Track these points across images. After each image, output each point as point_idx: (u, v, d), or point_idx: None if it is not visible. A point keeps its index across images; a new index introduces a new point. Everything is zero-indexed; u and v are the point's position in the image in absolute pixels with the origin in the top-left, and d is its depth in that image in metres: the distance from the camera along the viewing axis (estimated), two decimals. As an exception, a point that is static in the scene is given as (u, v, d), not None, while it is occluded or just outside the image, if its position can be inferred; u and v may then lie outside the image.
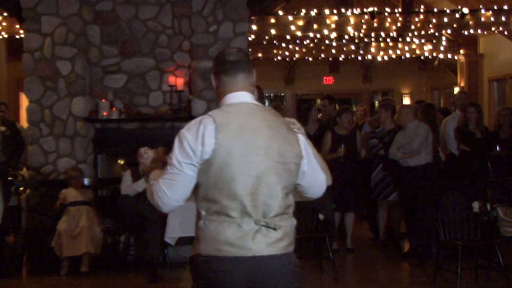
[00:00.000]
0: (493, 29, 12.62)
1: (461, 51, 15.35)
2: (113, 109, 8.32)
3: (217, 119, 2.85)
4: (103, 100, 8.32)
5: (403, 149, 8.37)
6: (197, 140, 2.84)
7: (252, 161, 2.83)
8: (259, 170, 2.83)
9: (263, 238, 2.84)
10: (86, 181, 8.08)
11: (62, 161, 8.23)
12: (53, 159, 8.25)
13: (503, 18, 11.98)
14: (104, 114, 8.29)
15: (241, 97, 2.98)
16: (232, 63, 2.98)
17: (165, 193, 2.93)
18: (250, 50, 12.61)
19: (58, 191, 7.74)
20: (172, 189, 2.92)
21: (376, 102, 17.53)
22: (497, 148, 8.84)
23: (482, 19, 12.11)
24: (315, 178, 3.07)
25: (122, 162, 8.74)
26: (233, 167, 2.81)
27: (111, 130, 8.49)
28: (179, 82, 8.40)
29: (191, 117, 8.22)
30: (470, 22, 12.22)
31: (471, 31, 12.88)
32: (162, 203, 2.98)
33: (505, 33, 13.08)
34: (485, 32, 13.65)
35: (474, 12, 11.91)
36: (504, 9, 11.59)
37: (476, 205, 6.91)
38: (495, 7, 11.62)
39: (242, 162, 2.81)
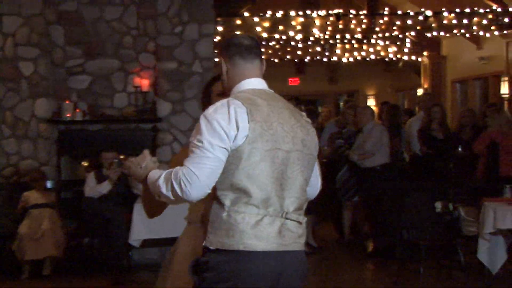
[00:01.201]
0: (455, 31, 12.80)
1: (425, 53, 15.54)
2: (77, 110, 8.25)
3: (245, 103, 2.66)
4: (67, 102, 8.24)
5: (358, 150, 8.47)
6: (230, 122, 2.60)
7: (282, 149, 2.67)
8: (288, 159, 2.69)
9: (290, 232, 2.69)
10: (49, 183, 7.98)
11: (24, 163, 8.13)
12: (15, 161, 8.14)
13: (465, 21, 12.16)
14: (68, 115, 8.20)
15: (260, 83, 2.85)
16: (248, 48, 2.84)
17: (198, 178, 2.57)
18: (216, 51, 12.61)
19: (20, 193, 7.63)
20: (205, 173, 2.57)
21: (341, 103, 17.64)
22: (459, 149, 8.97)
23: (445, 21, 12.27)
24: (317, 177, 2.97)
25: (86, 164, 8.66)
26: (263, 155, 2.63)
27: (75, 132, 8.40)
28: (144, 83, 8.36)
29: (156, 119, 8.21)
30: (433, 25, 12.38)
31: (434, 33, 13.06)
32: (191, 189, 2.57)
33: (467, 35, 13.28)
34: (448, 35, 13.84)
35: (437, 14, 12.06)
36: (466, 11, 11.75)
37: (439, 205, 7.01)
38: (458, 10, 11.78)
39: (273, 150, 2.65)
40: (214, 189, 2.65)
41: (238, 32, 11.95)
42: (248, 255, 2.60)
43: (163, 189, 2.65)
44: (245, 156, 2.61)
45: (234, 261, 2.59)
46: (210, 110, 2.67)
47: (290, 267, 2.70)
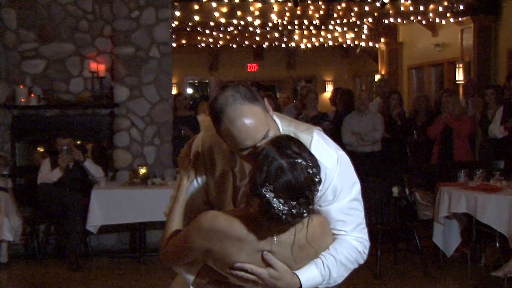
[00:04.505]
0: (412, 18, 12.94)
1: (382, 40, 15.68)
2: (32, 95, 8.09)
3: None
4: (21, 86, 8.07)
5: (367, 136, 8.80)
6: None
7: None
8: None
9: None
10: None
11: (-23, 149, 7.96)
12: (-32, 147, 7.97)
13: (421, 8, 12.31)
14: (22, 100, 8.05)
15: None
16: None
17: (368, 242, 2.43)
18: (173, 36, 12.50)
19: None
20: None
21: (299, 88, 17.70)
22: (414, 134, 9.10)
23: (402, 8, 12.41)
24: None
25: (42, 150, 8.53)
26: None
27: (29, 117, 8.24)
28: (100, 68, 8.24)
29: (113, 104, 8.11)
30: (390, 11, 12.50)
31: (391, 20, 13.18)
32: (366, 254, 2.42)
33: (423, 22, 13.44)
34: (404, 21, 13.99)
35: (394, 1, 12.18)
36: (423, -2, 11.91)
37: (395, 190, 7.09)
38: (414, -3, 11.93)
39: None
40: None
41: (196, 18, 11.88)
42: None
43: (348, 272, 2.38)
44: None
45: None
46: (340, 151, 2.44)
47: None
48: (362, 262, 2.39)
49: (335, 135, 8.75)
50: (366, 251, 2.39)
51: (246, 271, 2.20)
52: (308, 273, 2.24)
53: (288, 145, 2.12)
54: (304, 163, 2.09)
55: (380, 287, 6.40)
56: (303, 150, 2.14)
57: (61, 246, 7.71)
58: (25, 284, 6.94)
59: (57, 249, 7.80)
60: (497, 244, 6.58)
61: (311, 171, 2.10)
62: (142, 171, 7.71)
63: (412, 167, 8.76)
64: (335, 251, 2.29)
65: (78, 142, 8.05)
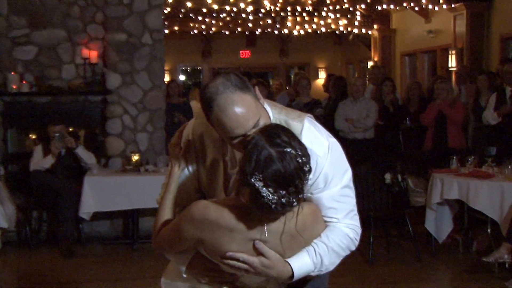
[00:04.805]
0: (404, 4, 12.93)
1: (375, 26, 15.67)
2: (23, 82, 8.05)
3: None
4: (13, 73, 8.03)
5: (359, 123, 8.84)
6: None
7: None
8: None
9: None
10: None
11: (-31, 136, 7.93)
12: (-41, 134, 7.93)
13: (414, -6, 12.30)
14: (14, 87, 8.00)
15: None
16: None
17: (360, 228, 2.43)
18: (166, 23, 12.45)
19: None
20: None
21: (292, 75, 17.69)
22: (407, 121, 9.11)
23: (395, -6, 12.40)
24: None
25: (34, 137, 8.50)
26: None
27: (21, 104, 8.20)
28: (92, 54, 8.19)
29: (105, 91, 8.08)
30: (383, -2, 12.49)
31: (384, 6, 13.16)
32: (357, 241, 2.43)
33: (416, 8, 13.42)
34: (397, 8, 13.97)
35: (387, -13, 12.16)
36: (416, -15, 11.89)
37: (388, 177, 7.11)
38: (407, -17, 11.91)
39: None
40: None
41: (189, 4, 11.83)
42: None
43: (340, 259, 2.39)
44: None
45: None
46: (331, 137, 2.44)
47: None
48: (354, 249, 2.40)
49: (328, 121, 8.77)
50: (358, 238, 2.40)
51: (238, 260, 2.21)
52: (300, 261, 2.25)
53: (278, 134, 2.12)
54: (294, 152, 2.09)
55: (373, 273, 6.43)
56: (293, 139, 2.13)
57: (54, 233, 7.70)
58: (18, 271, 6.95)
59: (50, 236, 7.79)
60: (489, 230, 6.62)
61: (300, 160, 2.09)
62: (135, 158, 7.70)
63: (405, 153, 8.78)
64: (327, 239, 2.29)
65: (70, 129, 8.02)
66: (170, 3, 11.75)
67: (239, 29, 15.75)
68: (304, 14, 15.31)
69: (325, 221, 2.33)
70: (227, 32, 15.93)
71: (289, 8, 14.14)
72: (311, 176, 2.17)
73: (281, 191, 2.05)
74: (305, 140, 2.23)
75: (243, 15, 14.78)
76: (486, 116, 8.30)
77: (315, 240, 2.28)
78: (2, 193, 7.32)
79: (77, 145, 7.61)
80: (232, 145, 2.28)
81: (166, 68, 10.05)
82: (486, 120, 8.33)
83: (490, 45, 11.85)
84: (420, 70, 14.48)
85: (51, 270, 6.72)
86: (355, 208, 2.41)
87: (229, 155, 2.40)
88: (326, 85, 10.71)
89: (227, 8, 12.79)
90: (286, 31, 16.22)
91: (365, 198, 6.94)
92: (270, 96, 10.25)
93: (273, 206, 2.06)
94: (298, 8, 14.17)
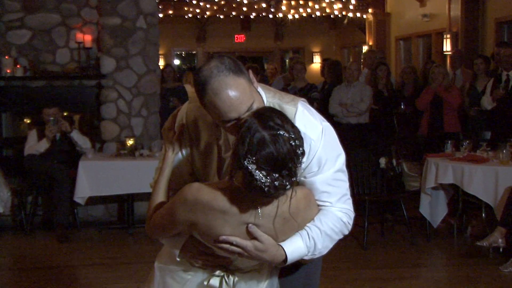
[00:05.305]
0: (400, -12, 12.89)
1: (370, 10, 15.62)
2: (18, 66, 8.02)
3: None
4: (6, 57, 7.99)
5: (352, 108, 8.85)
6: None
7: None
8: None
9: None
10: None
11: (-37, 121, 7.90)
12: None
13: (410, -22, 12.26)
14: (8, 71, 7.97)
15: None
16: None
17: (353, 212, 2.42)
18: (160, 7, 12.39)
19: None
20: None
21: (287, 60, 17.65)
22: (402, 106, 9.11)
23: (390, -22, 12.35)
24: None
25: (28, 121, 8.48)
26: None
27: (15, 88, 8.17)
28: (87, 39, 8.16)
29: (100, 75, 8.05)
30: (378, -19, 12.44)
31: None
32: (350, 225, 2.41)
33: (411, -8, 13.39)
34: (392, -8, 13.93)
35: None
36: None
37: (383, 161, 7.12)
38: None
39: None
40: None
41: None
42: None
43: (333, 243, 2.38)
44: None
45: None
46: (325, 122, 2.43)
47: None
48: (347, 232, 2.40)
49: (323, 106, 8.77)
50: (351, 222, 2.39)
51: (231, 243, 2.21)
52: (294, 245, 2.25)
53: (271, 117, 2.11)
54: (287, 135, 2.08)
55: (367, 258, 6.46)
56: (286, 122, 2.13)
57: (49, 218, 7.71)
58: (13, 256, 6.95)
59: (45, 221, 7.79)
60: (483, 215, 6.65)
61: (293, 143, 2.09)
62: (130, 142, 7.69)
63: (399, 138, 8.78)
64: (320, 222, 2.29)
65: (65, 114, 8.00)
66: (165, -14, 11.71)
67: (233, 13, 15.68)
68: (299, -2, 15.27)
69: (318, 205, 2.33)
70: (221, 16, 15.86)
71: (284, -8, 14.09)
72: (304, 159, 2.18)
73: (274, 174, 2.05)
74: (298, 123, 2.23)
75: (238, -1, 14.73)
76: (483, 102, 8.30)
77: (308, 224, 2.28)
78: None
79: (72, 129, 7.59)
80: (226, 129, 2.28)
81: (160, 52, 10.02)
82: (483, 106, 8.33)
83: (485, 29, 11.83)
84: (415, 55, 14.47)
85: (46, 254, 6.73)
86: (348, 192, 2.41)
87: (223, 139, 2.40)
88: (323, 70, 10.70)
89: (222, -8, 12.76)
90: (281, 15, 16.16)
91: (360, 183, 6.96)
92: (263, 81, 10.24)
93: (266, 189, 2.06)
94: (293, -8, 14.13)
